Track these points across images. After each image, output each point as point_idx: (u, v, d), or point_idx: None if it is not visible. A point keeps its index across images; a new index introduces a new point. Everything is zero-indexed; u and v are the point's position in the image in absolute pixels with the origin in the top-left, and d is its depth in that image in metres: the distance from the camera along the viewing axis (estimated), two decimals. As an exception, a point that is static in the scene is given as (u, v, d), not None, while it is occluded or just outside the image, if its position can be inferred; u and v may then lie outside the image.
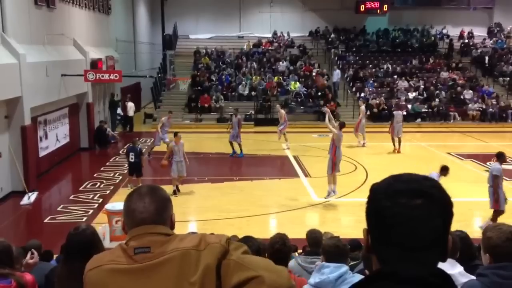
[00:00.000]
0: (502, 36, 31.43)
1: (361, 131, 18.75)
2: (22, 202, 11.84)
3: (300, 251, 6.37)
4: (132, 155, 12.79)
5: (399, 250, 1.14)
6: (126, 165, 13.52)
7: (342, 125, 12.07)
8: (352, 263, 3.89)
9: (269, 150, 17.87)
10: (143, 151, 13.76)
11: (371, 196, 1.21)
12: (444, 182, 1.24)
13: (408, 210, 1.13)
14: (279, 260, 3.75)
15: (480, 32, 31.98)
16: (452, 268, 2.85)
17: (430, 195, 1.15)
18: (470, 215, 10.75)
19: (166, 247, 1.57)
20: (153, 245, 1.57)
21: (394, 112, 18.50)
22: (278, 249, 3.75)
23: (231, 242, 1.61)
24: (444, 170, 9.53)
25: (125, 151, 14.27)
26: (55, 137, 15.71)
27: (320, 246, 4.90)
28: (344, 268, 3.13)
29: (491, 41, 30.97)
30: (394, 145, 17.68)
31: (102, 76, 16.91)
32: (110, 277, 1.57)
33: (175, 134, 12.92)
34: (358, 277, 2.95)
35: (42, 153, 14.57)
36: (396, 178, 1.21)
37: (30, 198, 12.00)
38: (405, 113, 24.03)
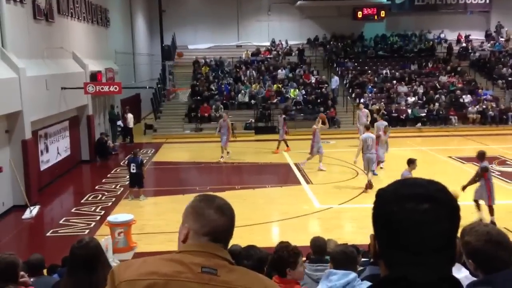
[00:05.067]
0: (500, 38, 31.52)
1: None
2: (24, 216, 11.80)
3: (304, 258, 6.34)
4: (133, 166, 12.78)
5: (407, 255, 1.13)
6: (128, 176, 13.50)
7: (367, 128, 14.04)
8: (359, 269, 3.86)
9: (270, 158, 17.85)
10: (144, 162, 13.71)
11: (378, 202, 1.21)
12: (446, 185, 1.22)
13: (415, 215, 1.13)
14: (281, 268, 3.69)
15: (477, 36, 32.09)
16: (458, 272, 2.83)
17: (437, 199, 1.15)
18: (473, 219, 10.70)
19: (232, 277, 1.53)
20: (220, 269, 1.53)
21: (280, 118, 19.45)
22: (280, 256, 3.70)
23: None
24: (411, 163, 9.86)
25: (126, 162, 14.19)
26: (56, 150, 15.71)
27: (324, 253, 4.88)
28: (352, 275, 3.10)
29: (489, 44, 31.07)
30: (287, 145, 18.70)
31: (102, 88, 16.94)
32: None
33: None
34: (366, 284, 2.93)
35: (43, 167, 14.56)
36: (402, 183, 1.21)
37: (32, 212, 11.97)
38: (404, 117, 24.16)
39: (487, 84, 27.29)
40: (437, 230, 1.13)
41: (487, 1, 31.58)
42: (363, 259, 5.80)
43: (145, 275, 1.49)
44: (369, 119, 18.64)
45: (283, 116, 19.57)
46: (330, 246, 5.51)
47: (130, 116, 21.99)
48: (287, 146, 18.77)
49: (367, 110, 19.74)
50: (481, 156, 10.28)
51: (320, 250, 4.90)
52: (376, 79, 27.54)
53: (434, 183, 1.20)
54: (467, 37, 31.93)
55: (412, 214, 1.13)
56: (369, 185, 12.99)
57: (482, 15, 32.48)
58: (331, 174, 15.34)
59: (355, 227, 10.41)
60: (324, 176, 15.01)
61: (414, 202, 1.14)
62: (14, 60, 12.22)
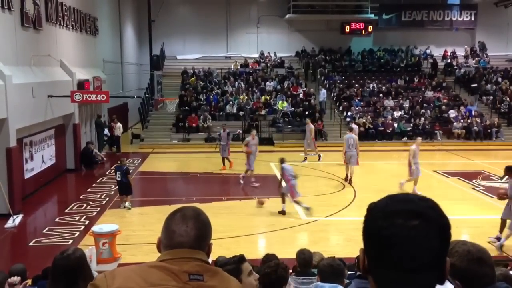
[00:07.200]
0: (485, 55, 32.09)
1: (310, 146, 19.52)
2: (6, 225, 11.60)
3: (290, 271, 6.31)
4: (118, 174, 12.73)
5: (395, 272, 1.12)
6: (113, 185, 13.37)
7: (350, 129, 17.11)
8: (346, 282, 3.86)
9: (257, 169, 17.82)
10: (129, 170, 13.59)
11: (368, 216, 1.20)
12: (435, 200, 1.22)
13: (404, 231, 1.12)
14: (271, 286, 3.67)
15: (462, 52, 32.65)
16: (444, 286, 2.84)
17: (427, 216, 1.14)
18: (458, 234, 10.79)
19: (217, 281, 1.58)
20: (204, 273, 1.56)
21: (223, 133, 18.18)
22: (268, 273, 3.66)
23: None
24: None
25: (113, 171, 14.08)
26: (41, 158, 15.52)
27: (309, 266, 4.87)
28: (339, 288, 3.10)
29: (474, 61, 31.60)
30: (224, 164, 17.80)
31: (89, 97, 16.83)
32: None
33: None
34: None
35: (27, 175, 14.36)
36: (392, 198, 1.20)
37: (15, 221, 11.78)
38: (390, 130, 24.39)
39: (472, 99, 27.67)
40: (425, 248, 1.11)
41: (472, 19, 32.18)
42: (349, 272, 5.80)
43: (135, 284, 1.49)
44: (312, 135, 19.49)
45: (227, 131, 18.28)
46: (315, 259, 5.50)
47: (118, 125, 21.87)
48: (224, 164, 17.80)
49: (312, 126, 20.00)
50: (281, 161, 12.33)
51: (305, 263, 4.89)
52: (363, 92, 27.79)
53: (425, 199, 1.18)
54: (452, 53, 32.46)
55: (401, 230, 1.12)
56: (349, 180, 15.40)
57: (468, 32, 33.09)
58: (318, 186, 15.37)
59: (342, 240, 10.41)
60: (311, 188, 15.01)
61: (403, 218, 1.13)
62: (1, 67, 12.10)
